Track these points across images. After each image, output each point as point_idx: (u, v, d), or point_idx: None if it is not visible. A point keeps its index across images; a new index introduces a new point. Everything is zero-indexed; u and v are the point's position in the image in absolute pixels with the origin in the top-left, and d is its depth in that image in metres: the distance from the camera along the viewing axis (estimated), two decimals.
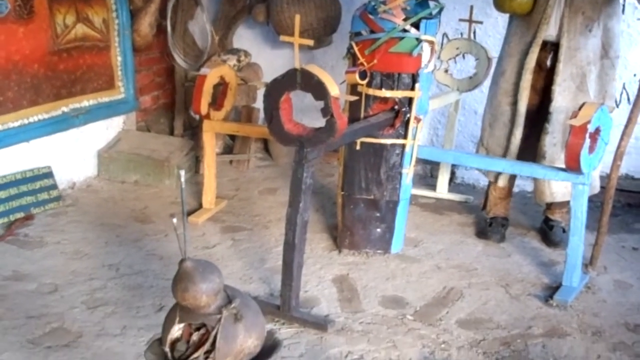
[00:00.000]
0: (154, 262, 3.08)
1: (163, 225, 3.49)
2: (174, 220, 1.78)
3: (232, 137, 4.63)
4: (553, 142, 3.09)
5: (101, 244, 3.27)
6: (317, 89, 2.37)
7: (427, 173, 4.35)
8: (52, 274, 2.95)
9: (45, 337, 2.46)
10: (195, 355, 1.73)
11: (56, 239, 3.30)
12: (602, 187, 3.21)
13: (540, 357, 2.39)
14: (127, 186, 4.03)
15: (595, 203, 3.50)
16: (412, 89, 2.91)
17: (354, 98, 2.83)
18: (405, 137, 3.00)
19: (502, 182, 3.33)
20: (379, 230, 3.16)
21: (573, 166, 2.68)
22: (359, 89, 2.92)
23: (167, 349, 1.77)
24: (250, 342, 1.77)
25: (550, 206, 3.39)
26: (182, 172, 1.79)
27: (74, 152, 3.93)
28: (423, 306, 2.75)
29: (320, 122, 2.43)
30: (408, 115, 2.94)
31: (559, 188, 3.15)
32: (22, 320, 2.57)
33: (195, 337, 1.78)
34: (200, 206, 3.69)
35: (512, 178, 3.38)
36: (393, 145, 3.02)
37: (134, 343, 2.44)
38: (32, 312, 2.63)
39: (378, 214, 3.13)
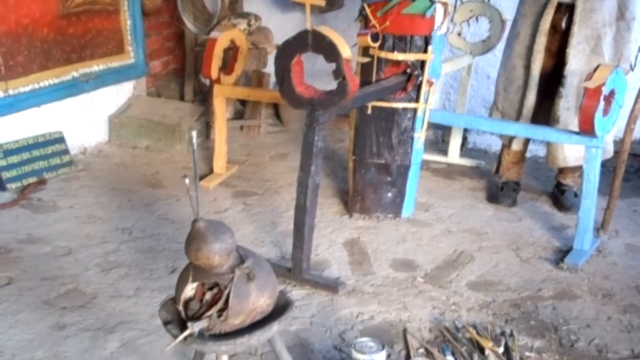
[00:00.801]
0: (167, 226, 3.11)
1: (175, 190, 3.50)
2: (186, 181, 1.78)
3: (243, 103, 4.61)
4: (567, 106, 3.06)
5: (113, 208, 3.29)
6: (329, 51, 2.35)
7: (439, 138, 4.33)
8: (66, 237, 2.98)
9: (60, 298, 2.50)
10: (208, 313, 1.75)
11: (69, 203, 3.33)
12: (615, 152, 3.18)
13: (550, 318, 2.40)
14: (139, 151, 4.04)
15: (607, 168, 3.47)
16: (425, 51, 2.88)
17: (366, 60, 2.80)
18: (417, 100, 2.98)
19: (516, 145, 3.31)
20: (390, 194, 3.15)
21: (587, 129, 2.65)
22: (371, 52, 2.89)
23: (180, 307, 1.79)
24: (263, 301, 1.78)
25: (562, 171, 3.37)
26: (194, 134, 1.78)
27: (85, 117, 3.94)
28: (433, 269, 2.76)
29: (332, 86, 2.41)
30: (420, 79, 2.91)
31: (571, 152, 3.13)
32: (37, 282, 2.61)
33: (208, 296, 1.80)
34: (211, 171, 3.70)
35: (526, 142, 3.35)
36: (405, 109, 3.00)
37: (148, 304, 2.47)
38: (47, 274, 2.67)
39: (389, 179, 3.12)
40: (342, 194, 3.46)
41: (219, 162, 3.69)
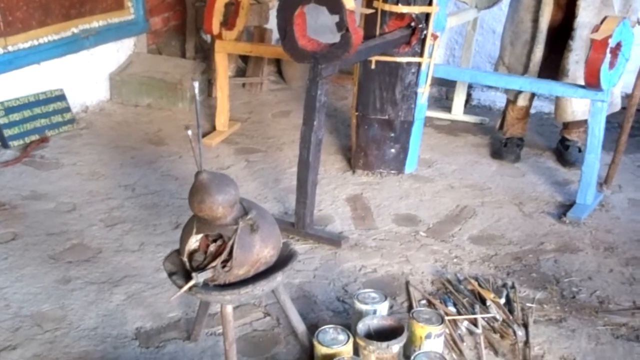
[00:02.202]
0: (170, 183, 3.11)
1: (177, 147, 3.49)
2: (189, 133, 1.76)
3: (245, 60, 4.56)
4: (576, 59, 3.02)
5: (116, 165, 3.29)
6: (332, 2, 2.31)
7: (443, 95, 4.29)
8: (70, 193, 2.99)
9: (65, 253, 2.52)
10: (212, 264, 1.76)
11: (72, 160, 3.33)
12: (622, 108, 3.16)
13: (552, 271, 2.42)
14: (140, 109, 4.02)
15: (612, 124, 3.46)
16: (430, 4, 2.83)
17: (370, 11, 2.75)
18: (421, 55, 2.94)
19: (522, 101, 3.28)
20: (393, 150, 3.14)
21: (592, 82, 2.62)
22: (375, 4, 2.84)
23: (185, 259, 1.81)
24: (267, 252, 1.79)
25: (567, 126, 3.35)
26: (196, 84, 1.77)
27: (86, 75, 3.90)
28: (436, 223, 2.77)
29: (335, 39, 2.37)
30: (425, 32, 2.87)
31: (579, 107, 3.10)
32: (42, 237, 2.62)
33: (212, 248, 1.81)
34: (213, 129, 3.68)
35: (532, 98, 3.33)
36: (409, 63, 2.96)
37: (152, 258, 2.49)
38: (51, 229, 2.68)
39: (392, 134, 3.11)
40: (345, 150, 3.46)
41: (222, 119, 3.67)
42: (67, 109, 3.68)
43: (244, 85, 4.44)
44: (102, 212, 2.83)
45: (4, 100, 3.42)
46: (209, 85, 4.21)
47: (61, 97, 3.67)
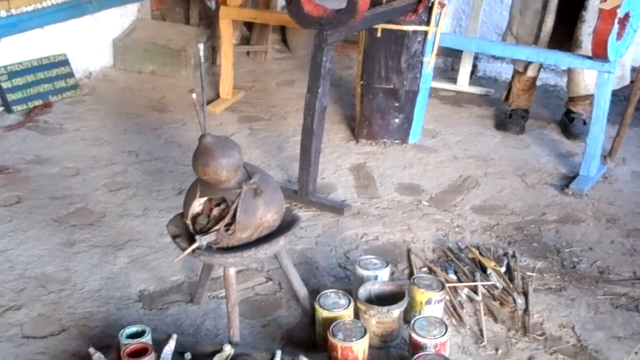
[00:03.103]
0: (173, 149, 3.11)
1: (181, 114, 3.49)
2: (193, 96, 1.76)
3: (249, 28, 4.53)
4: (589, 31, 2.97)
5: (120, 131, 3.29)
6: None
7: (448, 66, 4.26)
8: (73, 158, 2.99)
9: (69, 217, 2.54)
10: (216, 227, 1.77)
11: (75, 126, 3.33)
12: (631, 82, 3.13)
13: (553, 241, 2.43)
14: (144, 76, 4.00)
15: (618, 97, 3.44)
16: None
17: None
18: (428, 23, 2.91)
19: (531, 72, 3.26)
20: (397, 120, 3.13)
21: (599, 53, 2.60)
22: None
23: (188, 222, 1.82)
24: (270, 216, 1.80)
25: (572, 98, 3.33)
26: (201, 46, 1.76)
27: (89, 40, 3.88)
28: (438, 193, 2.77)
29: (341, 5, 2.35)
30: (432, 0, 2.84)
31: (592, 80, 3.07)
32: (46, 200, 2.64)
33: (215, 211, 1.82)
34: (217, 96, 3.67)
35: (539, 69, 3.30)
36: (415, 32, 2.94)
37: (156, 223, 2.50)
38: (55, 193, 2.70)
39: (397, 104, 3.10)
40: (349, 120, 3.45)
41: (225, 87, 3.65)
42: (71, 75, 3.66)
43: (248, 53, 4.41)
44: (106, 177, 2.84)
45: (7, 64, 3.41)
46: (213, 52, 4.19)
47: (64, 62, 3.65)
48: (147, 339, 1.72)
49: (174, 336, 1.76)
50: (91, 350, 1.70)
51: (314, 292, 1.98)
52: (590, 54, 2.87)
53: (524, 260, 2.29)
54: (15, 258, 2.27)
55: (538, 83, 3.51)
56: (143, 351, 1.67)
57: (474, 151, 3.17)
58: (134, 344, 1.69)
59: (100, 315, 2.00)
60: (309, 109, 2.52)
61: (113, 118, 3.43)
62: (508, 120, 3.37)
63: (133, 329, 1.75)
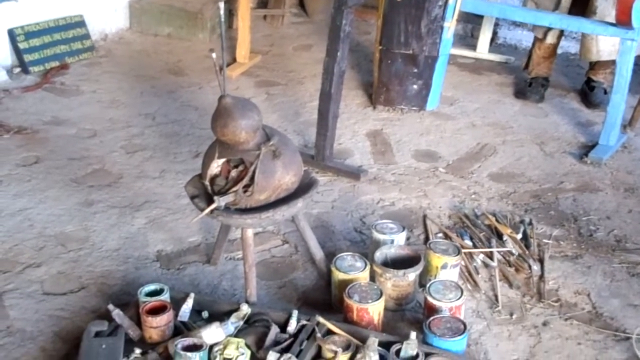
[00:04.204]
0: (190, 112, 3.11)
1: (197, 78, 3.48)
2: (213, 55, 1.76)
3: None
4: None
5: (136, 94, 3.29)
6: None
7: (468, 33, 4.20)
8: (90, 120, 3.00)
9: (87, 177, 2.56)
10: (234, 189, 1.78)
11: (92, 88, 3.33)
12: None
13: (570, 209, 2.42)
14: (160, 39, 3.98)
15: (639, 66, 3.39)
16: None
17: None
18: None
19: (550, 38, 3.20)
20: (415, 86, 3.10)
21: (623, 20, 2.55)
22: None
23: (207, 182, 1.82)
24: (288, 178, 1.80)
25: (593, 67, 3.27)
26: (222, 4, 1.75)
27: (105, 1, 3.85)
28: (456, 160, 2.76)
29: None
30: None
31: (605, 46, 3.02)
32: (64, 161, 2.66)
33: (234, 173, 1.82)
34: (234, 60, 3.65)
35: (560, 36, 3.25)
36: None
37: (173, 185, 2.52)
38: (73, 154, 2.71)
39: (416, 70, 3.06)
40: (367, 86, 3.42)
41: (242, 50, 3.63)
42: (87, 36, 3.65)
43: (265, 17, 4.37)
44: (123, 139, 2.85)
45: (24, 24, 3.40)
46: (230, 16, 4.14)
47: (81, 24, 3.64)
48: (165, 297, 1.75)
49: (192, 295, 1.79)
50: (110, 306, 1.72)
51: (330, 256, 1.99)
52: (604, 20, 2.83)
53: (541, 228, 2.28)
54: (35, 217, 2.30)
55: (559, 51, 3.46)
56: (161, 309, 1.69)
57: (493, 119, 3.14)
58: (153, 301, 1.71)
59: (119, 274, 2.03)
60: (327, 73, 2.50)
61: (129, 81, 3.43)
62: (528, 88, 3.33)
63: (152, 287, 1.77)
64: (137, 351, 1.63)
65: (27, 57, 3.38)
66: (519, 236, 2.19)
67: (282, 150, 1.79)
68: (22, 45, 3.37)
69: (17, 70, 3.40)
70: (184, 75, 3.52)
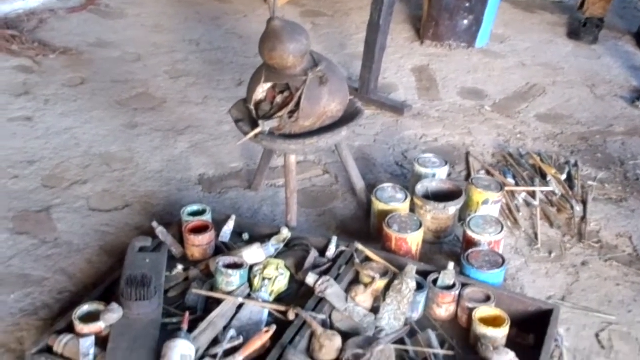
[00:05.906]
0: (234, 40, 3.09)
1: (242, 5, 3.44)
2: None
3: None
4: None
5: (180, 19, 3.27)
6: None
7: None
8: (135, 44, 3.01)
9: (131, 100, 2.58)
10: (279, 114, 1.77)
11: (136, 11, 3.32)
12: None
13: (618, 153, 2.35)
14: None
15: None
16: None
17: None
18: None
19: None
20: (466, 22, 3.01)
21: None
22: None
23: (252, 107, 1.82)
24: (334, 106, 1.79)
25: None
26: None
27: None
28: (503, 99, 2.70)
29: None
30: None
31: None
32: (108, 83, 2.68)
33: (279, 98, 1.81)
34: None
35: None
36: None
37: (215, 111, 2.52)
38: (117, 77, 2.73)
39: (467, 4, 2.96)
40: (415, 20, 3.33)
41: None
42: None
43: None
44: (167, 64, 2.85)
45: None
46: None
47: None
48: (207, 217, 1.77)
49: (233, 217, 1.81)
50: (154, 224, 1.76)
51: (371, 187, 1.99)
52: None
53: (586, 170, 2.24)
54: (81, 136, 2.34)
55: None
56: (204, 228, 1.73)
57: (543, 59, 3.04)
58: (196, 221, 1.74)
59: (162, 195, 2.07)
60: (376, 3, 2.44)
61: (173, 6, 3.41)
62: (582, 28, 3.21)
63: (194, 207, 1.80)
64: (180, 267, 1.67)
65: None
66: (564, 177, 2.15)
67: (329, 77, 1.77)
68: None
69: None
70: (229, 3, 3.48)
